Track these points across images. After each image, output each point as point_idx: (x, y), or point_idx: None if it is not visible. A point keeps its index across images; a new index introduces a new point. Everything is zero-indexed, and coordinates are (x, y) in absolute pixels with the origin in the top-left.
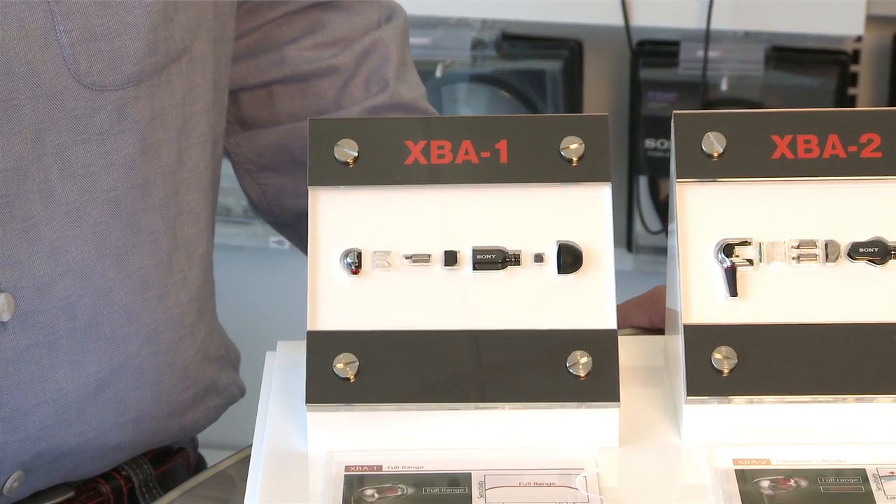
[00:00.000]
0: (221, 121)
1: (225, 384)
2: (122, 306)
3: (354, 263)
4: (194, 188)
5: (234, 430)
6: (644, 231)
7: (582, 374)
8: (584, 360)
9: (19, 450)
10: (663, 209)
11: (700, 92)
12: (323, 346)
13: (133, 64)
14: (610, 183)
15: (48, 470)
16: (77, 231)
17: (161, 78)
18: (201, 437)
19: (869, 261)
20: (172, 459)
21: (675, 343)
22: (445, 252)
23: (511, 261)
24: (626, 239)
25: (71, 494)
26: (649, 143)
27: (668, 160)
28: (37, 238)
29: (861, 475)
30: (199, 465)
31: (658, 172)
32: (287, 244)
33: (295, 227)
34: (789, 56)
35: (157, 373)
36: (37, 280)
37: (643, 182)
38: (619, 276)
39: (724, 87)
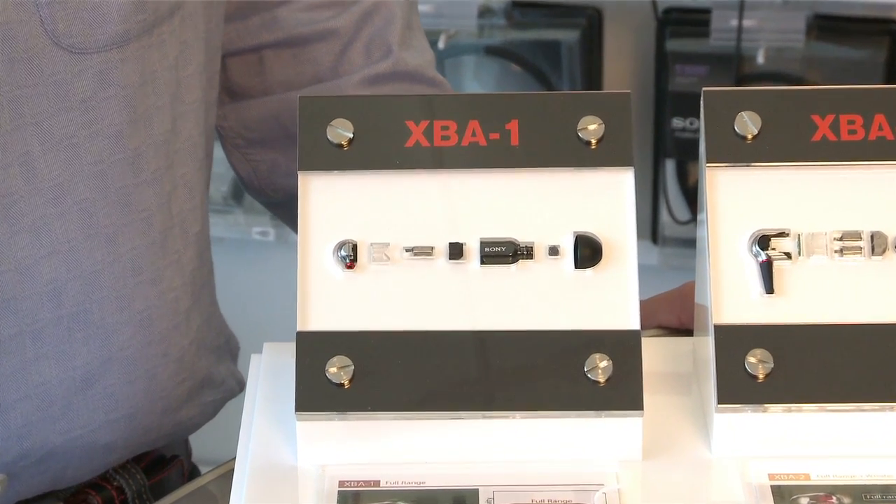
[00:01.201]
0: (214, 85)
1: (222, 376)
2: (111, 291)
3: (349, 257)
4: (189, 159)
5: (215, 441)
6: (671, 221)
7: (601, 379)
8: (604, 364)
9: (1, 449)
10: (692, 196)
11: (733, 65)
12: (314, 348)
13: (117, 23)
14: (632, 167)
15: (33, 473)
16: (61, 208)
17: (152, 38)
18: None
19: None
20: (166, 468)
21: (705, 345)
22: (450, 244)
23: (523, 254)
24: (650, 230)
25: None
26: (677, 122)
27: (697, 141)
28: (18, 217)
29: None
30: (193, 474)
31: (687, 155)
32: (272, 235)
33: (290, 208)
34: (833, 25)
35: (150, 364)
36: (18, 263)
37: (670, 166)
38: (643, 270)
39: (760, 59)
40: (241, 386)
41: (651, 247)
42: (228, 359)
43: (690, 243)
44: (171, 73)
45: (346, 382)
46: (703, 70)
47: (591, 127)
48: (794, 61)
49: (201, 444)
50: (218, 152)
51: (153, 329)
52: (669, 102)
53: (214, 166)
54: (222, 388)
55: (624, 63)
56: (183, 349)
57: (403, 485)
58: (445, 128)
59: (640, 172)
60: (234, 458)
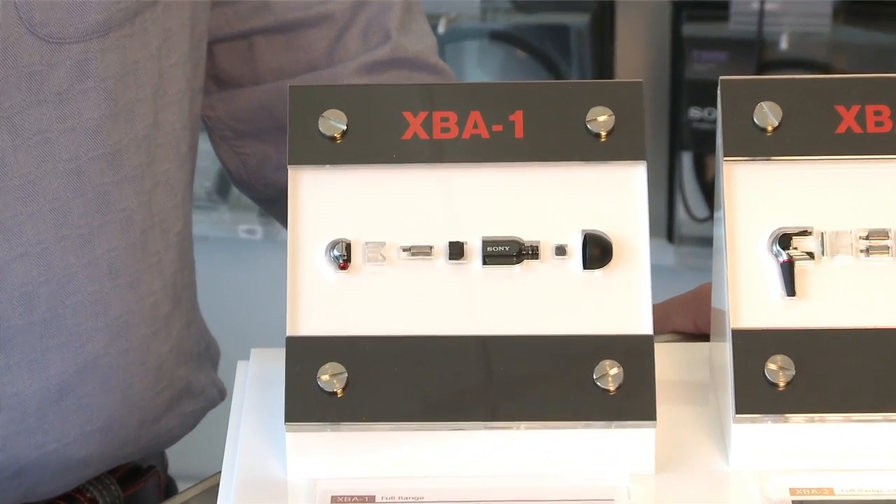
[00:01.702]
0: (199, 74)
1: (203, 385)
2: (86, 295)
3: (342, 257)
4: (171, 154)
5: (192, 454)
6: (688, 218)
7: (612, 387)
8: (615, 371)
9: None
10: (711, 192)
11: (755, 52)
12: (305, 354)
13: (98, 11)
14: (645, 161)
15: (5, 488)
16: (33, 208)
17: (134, 27)
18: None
19: None
20: (142, 480)
21: (722, 351)
22: (450, 243)
23: (527, 254)
24: (666, 228)
25: None
26: (694, 112)
27: (715, 133)
28: None
29: None
30: (170, 487)
31: (704, 148)
32: (260, 233)
33: (281, 204)
34: (862, 9)
35: (128, 373)
36: None
37: (687, 159)
38: (658, 271)
39: (783, 45)
40: (221, 395)
41: (666, 246)
42: (209, 366)
43: (708, 242)
44: (153, 63)
45: (339, 391)
46: (721, 56)
47: (601, 118)
48: (819, 47)
49: (178, 458)
50: (202, 145)
51: (131, 336)
52: (686, 91)
53: (198, 160)
54: (202, 397)
55: (637, 49)
56: (162, 357)
57: (400, 500)
58: (445, 119)
59: (654, 166)
60: (218, 473)
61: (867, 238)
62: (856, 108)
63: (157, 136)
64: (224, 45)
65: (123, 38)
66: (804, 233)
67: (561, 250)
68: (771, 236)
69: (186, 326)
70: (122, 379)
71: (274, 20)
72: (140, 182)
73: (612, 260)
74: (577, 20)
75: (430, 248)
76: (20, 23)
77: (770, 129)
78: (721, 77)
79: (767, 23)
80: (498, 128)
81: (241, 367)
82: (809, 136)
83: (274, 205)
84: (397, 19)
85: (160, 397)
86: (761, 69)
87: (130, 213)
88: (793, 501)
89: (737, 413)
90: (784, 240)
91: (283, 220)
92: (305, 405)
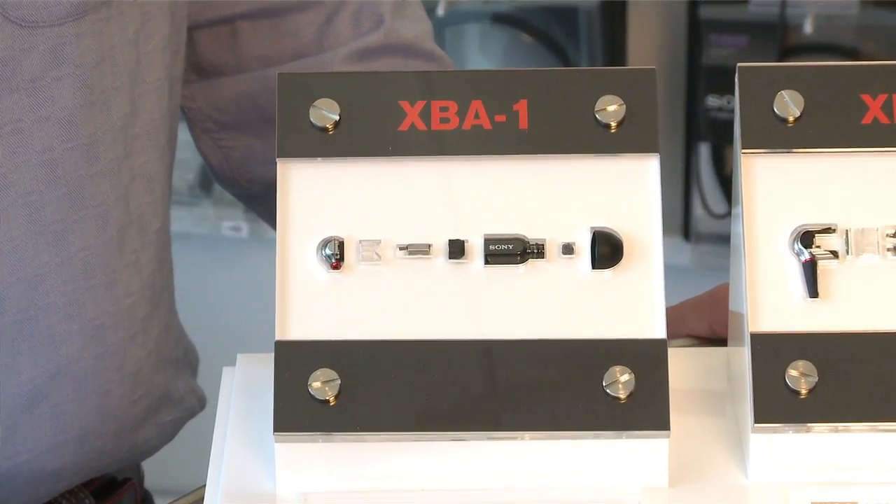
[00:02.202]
0: (180, 61)
1: (182, 393)
2: (60, 296)
3: (335, 256)
4: (149, 146)
5: (177, 467)
6: (705, 214)
7: (622, 395)
8: (626, 377)
9: None
10: (730, 186)
11: (777, 36)
12: (295, 359)
13: None
14: (658, 154)
15: None
16: (3, 203)
17: (111, 9)
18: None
19: None
20: (118, 493)
21: (741, 357)
22: (450, 241)
23: (532, 253)
24: (682, 225)
25: None
26: (712, 101)
27: (733, 123)
28: None
29: None
30: (146, 501)
31: (723, 139)
32: (245, 230)
33: (266, 201)
34: None
35: (104, 380)
36: None
37: (704, 151)
38: (674, 271)
39: (807, 29)
40: (201, 404)
41: (682, 244)
42: (188, 373)
43: (727, 240)
44: (131, 48)
45: (332, 399)
46: (741, 41)
47: (611, 108)
48: (846, 31)
49: (154, 471)
50: (183, 136)
51: (106, 340)
52: (703, 78)
53: (179, 151)
54: (182, 406)
55: (651, 33)
56: (140, 362)
57: None
58: (444, 109)
59: (669, 159)
60: (201, 487)
61: (895, 236)
62: (883, 97)
63: (135, 127)
64: (205, 30)
65: (99, 21)
66: (827, 230)
67: (568, 249)
68: (792, 234)
69: (165, 330)
70: (98, 385)
71: (258, 4)
72: (117, 175)
73: (623, 259)
74: (587, 1)
75: (429, 246)
76: None
77: (791, 119)
78: (739, 64)
79: (790, 4)
80: (501, 118)
81: (226, 373)
82: (833, 126)
83: (258, 202)
84: (391, 3)
85: (137, 405)
86: (783, 55)
87: (106, 208)
88: None
89: (756, 422)
90: (806, 238)
91: (268, 217)
92: (295, 414)
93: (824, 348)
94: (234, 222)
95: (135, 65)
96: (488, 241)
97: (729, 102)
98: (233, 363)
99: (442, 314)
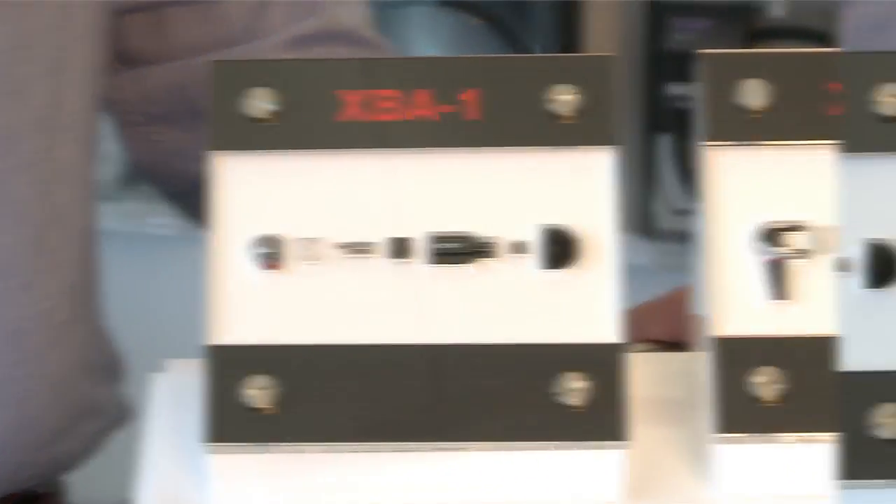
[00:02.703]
0: (103, 50)
1: (106, 402)
2: None
3: (270, 254)
4: (72, 140)
5: (101, 480)
6: (666, 211)
7: (577, 403)
8: (580, 384)
9: None
10: (693, 181)
11: (744, 19)
12: (228, 365)
13: None
14: (616, 146)
15: None
16: None
17: None
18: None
19: None
20: None
21: (703, 362)
22: (393, 240)
23: (481, 251)
24: (641, 222)
25: None
26: (674, 89)
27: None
28: None
29: None
30: None
31: (686, 130)
32: (173, 227)
33: (195, 199)
34: None
35: (22, 388)
36: None
37: (665, 144)
38: (633, 271)
39: (778, 11)
40: (128, 414)
41: (642, 242)
42: (114, 381)
43: (690, 238)
44: (51, 34)
45: (268, 407)
46: (706, 25)
47: (565, 97)
48: (821, 14)
49: (77, 485)
50: (106, 126)
51: (24, 345)
52: (665, 65)
53: (103, 143)
54: (106, 416)
55: (609, 16)
56: (61, 369)
57: None
58: (387, 98)
59: (628, 152)
60: (127, 501)
61: None
62: None
63: (57, 119)
64: (131, 16)
65: (15, 5)
66: (795, 228)
67: (519, 248)
68: (758, 232)
69: (89, 335)
70: (15, 394)
71: None
72: (37, 170)
73: (576, 259)
74: None
75: (370, 245)
76: None
77: (757, 109)
78: (700, 50)
79: None
80: (447, 108)
81: (153, 380)
82: (802, 118)
83: (184, 200)
84: None
85: (59, 415)
86: (752, 40)
87: (25, 205)
88: None
89: (719, 432)
90: (772, 235)
91: (194, 215)
92: (230, 424)
93: (792, 353)
94: (162, 218)
95: (56, 52)
96: (434, 240)
97: (693, 91)
98: (161, 369)
99: (385, 317)
